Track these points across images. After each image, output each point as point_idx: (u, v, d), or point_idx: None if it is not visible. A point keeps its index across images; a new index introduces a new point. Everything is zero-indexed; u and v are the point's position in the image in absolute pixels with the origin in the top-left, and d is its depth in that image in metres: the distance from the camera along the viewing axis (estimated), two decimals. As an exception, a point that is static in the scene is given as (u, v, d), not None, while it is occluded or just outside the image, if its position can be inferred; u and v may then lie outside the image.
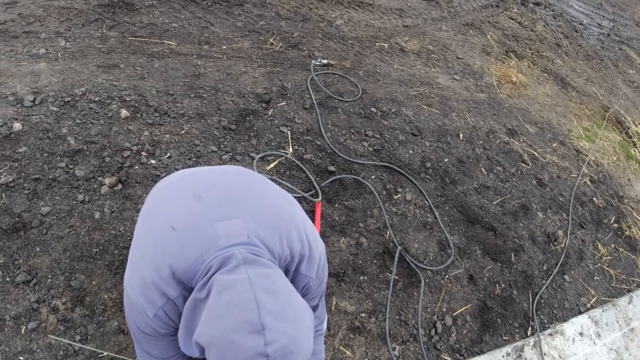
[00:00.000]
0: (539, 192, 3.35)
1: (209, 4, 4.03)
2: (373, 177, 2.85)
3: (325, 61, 3.58)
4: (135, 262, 1.09)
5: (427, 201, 2.85)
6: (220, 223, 1.04)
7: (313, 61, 3.57)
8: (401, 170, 2.94)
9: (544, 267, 2.89)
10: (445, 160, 3.19)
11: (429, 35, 4.64)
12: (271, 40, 3.74)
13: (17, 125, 2.53)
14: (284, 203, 1.20)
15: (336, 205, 2.62)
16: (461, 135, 3.46)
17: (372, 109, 3.32)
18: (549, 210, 3.25)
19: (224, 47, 3.59)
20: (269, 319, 0.86)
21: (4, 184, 2.29)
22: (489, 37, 5.17)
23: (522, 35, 5.60)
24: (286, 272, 1.11)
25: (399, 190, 2.85)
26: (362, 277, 2.38)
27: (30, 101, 2.70)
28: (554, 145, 3.90)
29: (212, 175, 1.21)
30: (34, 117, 2.62)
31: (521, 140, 3.73)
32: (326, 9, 4.40)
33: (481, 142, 3.48)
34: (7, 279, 2.01)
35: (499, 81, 4.40)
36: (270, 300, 0.89)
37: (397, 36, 4.38)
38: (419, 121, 3.41)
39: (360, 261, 2.44)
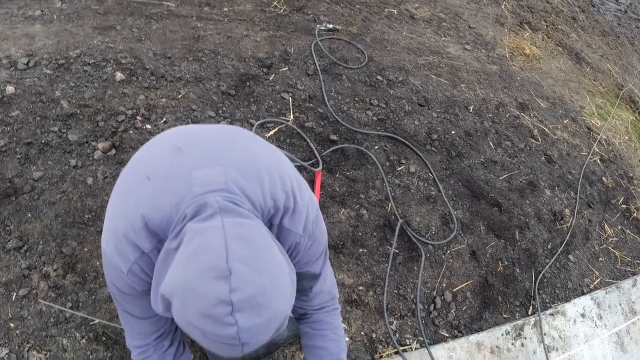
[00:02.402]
0: (547, 169, 3.30)
1: (211, -37, 3.92)
2: (376, 147, 2.81)
3: (330, 26, 3.49)
4: (110, 216, 1.06)
5: (432, 174, 2.82)
6: (197, 171, 0.98)
7: (318, 26, 3.49)
8: (406, 142, 2.90)
9: (549, 246, 2.87)
10: (452, 132, 3.14)
11: (441, 3, 4.52)
12: (275, 3, 3.65)
13: (10, 89, 2.49)
14: (268, 154, 1.14)
15: (337, 176, 2.59)
16: (470, 107, 3.40)
17: (378, 77, 3.26)
18: (556, 188, 3.22)
19: (225, 9, 3.50)
20: (237, 264, 0.79)
21: (-5, 148, 2.27)
22: (503, 7, 5.04)
23: (537, 6, 5.46)
24: (270, 226, 1.04)
25: (403, 161, 2.81)
26: (361, 250, 2.37)
27: (24, 64, 2.65)
28: (565, 121, 3.84)
29: (197, 130, 1.17)
30: (27, 80, 2.58)
31: (532, 115, 3.67)
32: (334, -28, 4.28)
33: (490, 115, 3.43)
34: (-2, 244, 2.00)
35: (512, 53, 4.31)
36: (242, 248, 0.82)
37: (407, 2, 4.27)
38: (426, 91, 3.34)
39: (360, 233, 2.43)
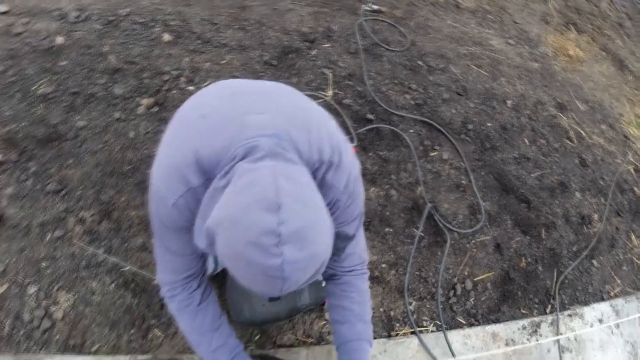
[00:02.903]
0: (580, 171, 3.24)
1: None
2: (411, 131, 2.79)
3: (376, 7, 3.46)
4: (163, 150, 1.09)
5: (464, 163, 2.79)
6: (250, 116, 1.01)
7: (363, 6, 3.45)
8: (441, 128, 2.87)
9: (574, 248, 2.83)
10: (488, 124, 3.10)
11: (487, -6, 4.43)
12: (322, -21, 3.62)
13: (59, 40, 2.54)
14: (318, 111, 1.17)
15: (370, 154, 2.58)
16: (508, 102, 3.34)
17: (419, 62, 3.22)
18: (587, 192, 3.15)
19: (273, -19, 3.49)
20: (286, 199, 0.81)
21: (43, 95, 2.32)
22: (550, 6, 4.90)
23: (585, 9, 5.30)
24: (313, 179, 1.04)
25: (436, 148, 2.79)
26: (387, 229, 2.37)
27: (75, 17, 2.69)
28: (602, 127, 3.74)
29: (252, 81, 1.22)
30: (77, 32, 2.62)
31: (569, 116, 3.59)
32: (382, -47, 4.22)
33: (528, 112, 3.36)
34: (38, 186, 2.06)
35: (555, 52, 4.20)
36: (291, 186, 0.84)
37: (453, -10, 4.20)
38: (466, 81, 3.29)
39: (387, 213, 2.42)
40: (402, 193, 2.53)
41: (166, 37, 2.71)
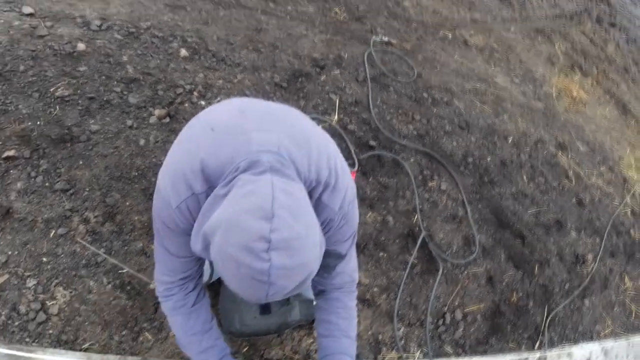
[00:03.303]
0: (576, 211, 3.27)
1: (282, -37, 4.04)
2: (412, 160, 2.84)
3: (385, 39, 3.56)
4: (172, 156, 1.15)
5: (462, 195, 2.83)
6: (256, 133, 1.07)
7: (374, 37, 3.55)
8: (441, 160, 2.92)
9: (566, 287, 2.83)
10: (488, 159, 3.15)
11: (496, 34, 4.52)
12: (336, 10, 3.73)
13: (81, 46, 2.63)
14: (319, 133, 1.22)
15: (370, 180, 2.63)
16: (510, 138, 3.39)
17: (424, 94, 3.29)
18: (583, 232, 3.17)
19: (289, 7, 3.60)
20: (280, 211, 0.87)
21: (60, 97, 2.39)
22: (556, 48, 5.00)
23: (591, 52, 5.40)
24: (309, 199, 1.09)
25: (435, 178, 2.84)
26: (381, 254, 2.40)
27: (97, 26, 2.79)
28: (601, 168, 3.78)
29: (259, 101, 1.28)
30: (98, 41, 2.71)
31: (569, 156, 3.64)
32: (396, -11, 4.35)
33: (528, 150, 3.41)
34: (47, 184, 2.11)
35: (559, 93, 4.27)
36: (286, 199, 0.90)
37: (463, 28, 4.29)
38: (469, 115, 3.36)
39: (383, 238, 2.46)
40: (398, 220, 2.56)
41: (183, 52, 2.80)
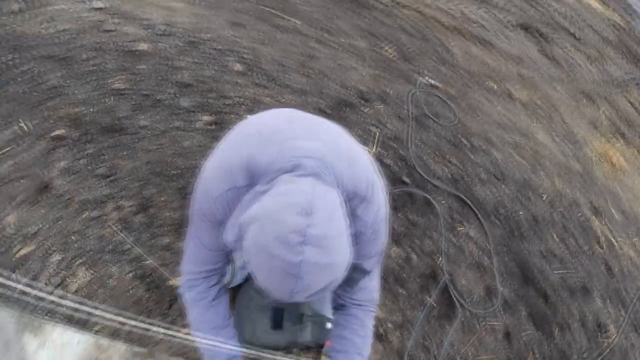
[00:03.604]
0: (604, 279, 3.10)
1: (342, -2, 4.13)
2: (443, 202, 2.77)
3: (432, 82, 3.54)
4: (219, 150, 1.18)
5: (489, 244, 2.73)
6: (301, 140, 1.09)
7: (420, 78, 3.55)
8: (473, 206, 2.84)
9: (584, 355, 2.66)
10: (520, 213, 3.04)
11: (541, 91, 4.45)
12: (386, 48, 3.76)
13: (143, 46, 2.71)
14: (360, 151, 1.23)
15: (399, 215, 2.57)
16: (544, 195, 3.28)
17: (463, 140, 3.24)
18: (608, 301, 3.00)
19: (342, 39, 3.65)
20: (318, 210, 0.88)
21: (116, 90, 2.46)
22: (601, 112, 4.88)
23: (636, 121, 5.23)
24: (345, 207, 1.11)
25: (464, 224, 2.75)
26: (400, 290, 2.32)
27: (161, 30, 2.88)
28: (634, 239, 3.60)
29: (306, 114, 1.29)
30: (160, 44, 2.79)
31: (603, 222, 3.48)
32: (447, 36, 4.35)
33: (561, 210, 3.29)
34: (89, 167, 2.14)
35: (599, 158, 4.14)
36: (325, 202, 0.91)
37: (509, 82, 4.24)
38: (505, 167, 3.27)
39: (404, 275, 2.38)
40: (422, 259, 2.48)
41: (237, 67, 2.85)
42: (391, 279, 2.32)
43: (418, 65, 3.74)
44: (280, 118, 1.22)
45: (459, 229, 2.72)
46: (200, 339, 1.35)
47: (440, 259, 2.51)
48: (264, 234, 0.87)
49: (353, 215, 1.11)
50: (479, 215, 2.83)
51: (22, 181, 2.05)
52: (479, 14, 5.03)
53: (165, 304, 1.87)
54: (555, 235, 3.09)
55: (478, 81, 4.00)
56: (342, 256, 0.92)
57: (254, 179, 1.06)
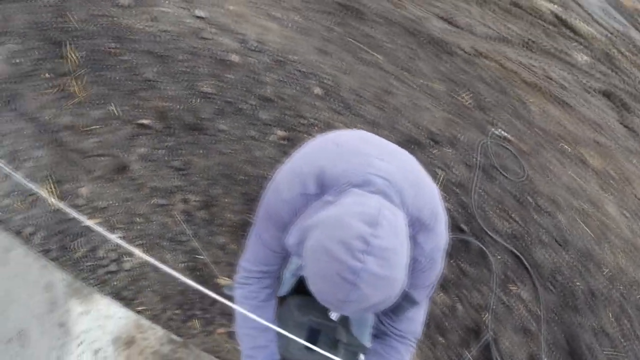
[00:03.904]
0: (658, 372, 2.80)
1: (425, 40, 4.11)
2: (499, 257, 2.62)
3: (504, 134, 3.42)
4: (295, 157, 1.18)
5: (540, 310, 2.54)
6: (374, 159, 1.08)
7: (493, 129, 3.43)
8: (529, 267, 2.66)
9: None
10: (577, 283, 2.82)
11: (616, 161, 4.18)
12: (463, 94, 3.68)
13: (234, 57, 2.81)
14: (429, 181, 1.19)
15: (452, 262, 2.45)
16: (605, 270, 3.04)
17: (529, 198, 3.08)
18: (657, 396, 2.70)
19: (421, 80, 3.62)
20: (385, 223, 0.86)
21: (203, 93, 2.55)
22: (677, 196, 4.52)
23: None
24: None
25: (518, 284, 2.58)
26: (440, 338, 2.19)
27: (253, 46, 2.98)
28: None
29: (382, 138, 1.28)
30: (249, 58, 2.89)
31: (666, 310, 3.17)
32: (527, 92, 4.21)
33: (621, 288, 3.02)
34: (166, 158, 2.21)
35: (670, 244, 3.81)
36: (391, 219, 0.88)
37: (584, 147, 4.02)
38: (569, 233, 3.07)
39: (446, 323, 2.25)
40: (467, 311, 2.34)
41: (317, 90, 2.89)
42: (432, 325, 2.20)
43: (493, 116, 3.63)
44: (355, 136, 1.22)
45: (511, 288, 2.55)
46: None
47: (486, 315, 2.36)
48: (327, 237, 0.86)
49: (412, 241, 1.07)
50: (534, 278, 2.65)
51: (102, 158, 2.14)
52: (561, 75, 4.86)
53: (208, 300, 1.87)
54: (610, 314, 2.84)
55: (552, 141, 3.82)
56: (401, 274, 0.89)
57: (324, 189, 1.06)
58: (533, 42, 5.12)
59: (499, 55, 4.51)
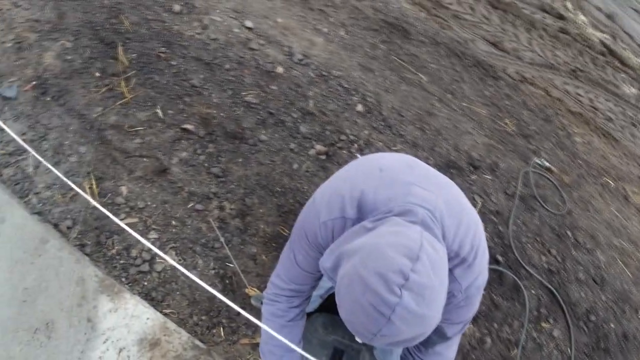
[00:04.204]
0: None
1: (470, 63, 4.00)
2: (533, 292, 2.49)
3: (547, 164, 3.27)
4: (337, 178, 1.16)
5: (571, 351, 2.39)
6: (417, 187, 1.04)
7: (535, 158, 3.29)
8: (563, 305, 2.51)
9: None
10: (612, 325, 2.64)
11: (661, 202, 3.95)
12: (506, 120, 3.55)
13: (279, 69, 2.80)
14: (473, 212, 1.13)
15: (484, 292, 2.33)
16: (643, 315, 2.85)
17: (568, 232, 2.92)
18: None
19: (464, 103, 3.52)
20: (425, 258, 0.80)
21: (247, 102, 2.54)
22: None
23: None
24: None
25: (550, 321, 2.44)
26: (466, 370, 2.08)
27: (298, 59, 2.96)
28: None
29: (425, 164, 1.24)
30: (294, 71, 2.87)
31: None
32: (571, 122, 4.03)
33: (659, 336, 2.82)
34: (206, 164, 2.20)
35: None
36: (432, 253, 0.83)
37: (628, 183, 3.81)
38: (607, 272, 2.89)
39: (473, 356, 2.13)
40: (496, 345, 2.22)
41: (359, 107, 2.84)
42: (459, 358, 2.09)
43: (535, 144, 3.49)
44: (400, 162, 1.17)
45: (543, 324, 2.41)
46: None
47: (515, 351, 2.23)
48: (364, 267, 0.81)
49: (450, 275, 1.01)
50: (568, 316, 2.50)
51: (144, 160, 2.15)
52: (608, 106, 4.64)
53: (235, 309, 1.83)
54: (646, 362, 2.64)
55: (595, 174, 3.63)
56: (437, 313, 0.83)
57: (363, 213, 1.02)
58: (581, 70, 4.91)
59: (544, 82, 4.35)
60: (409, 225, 0.90)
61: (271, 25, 3.16)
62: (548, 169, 3.27)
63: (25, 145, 1.29)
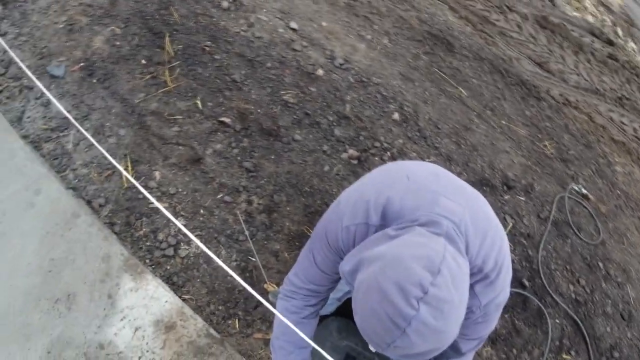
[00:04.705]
0: None
1: (513, 81, 3.85)
2: (557, 321, 2.35)
3: (584, 191, 3.09)
4: (363, 183, 1.12)
5: (593, 387, 2.24)
6: (444, 198, 0.99)
7: (573, 184, 3.12)
8: (587, 338, 2.36)
9: None
10: (638, 365, 2.48)
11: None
12: (546, 143, 3.40)
13: (320, 71, 2.76)
14: (499, 228, 1.07)
15: (506, 316, 2.22)
16: (673, 358, 2.64)
17: (599, 264, 2.75)
18: None
19: (503, 121, 3.38)
20: (446, 272, 0.77)
21: (285, 101, 2.51)
22: None
23: None
24: None
25: (572, 353, 2.29)
26: (479, 395, 1.98)
27: (339, 63, 2.92)
28: None
29: (455, 176, 1.19)
30: (334, 74, 2.82)
31: None
32: (613, 150, 3.82)
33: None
34: (239, 158, 2.18)
35: None
36: (454, 267, 0.80)
37: (667, 220, 3.58)
38: (635, 309, 2.70)
39: (488, 379, 2.03)
40: (514, 370, 2.10)
41: (395, 115, 2.77)
42: (474, 378, 1.99)
43: (574, 170, 3.31)
44: (428, 171, 1.13)
45: (565, 356, 2.27)
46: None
47: (533, 379, 2.11)
48: (383, 275, 0.77)
49: (470, 290, 0.96)
50: (591, 350, 2.35)
51: (180, 147, 2.15)
52: (652, 138, 4.38)
53: (252, 303, 1.80)
54: (671, 409, 2.45)
55: (633, 207, 3.42)
56: (454, 328, 0.79)
57: (387, 220, 0.98)
58: (627, 99, 4.65)
59: (589, 107, 4.14)
60: (433, 237, 0.87)
61: (315, 28, 3.12)
62: (585, 196, 3.09)
63: (75, 123, 1.29)
